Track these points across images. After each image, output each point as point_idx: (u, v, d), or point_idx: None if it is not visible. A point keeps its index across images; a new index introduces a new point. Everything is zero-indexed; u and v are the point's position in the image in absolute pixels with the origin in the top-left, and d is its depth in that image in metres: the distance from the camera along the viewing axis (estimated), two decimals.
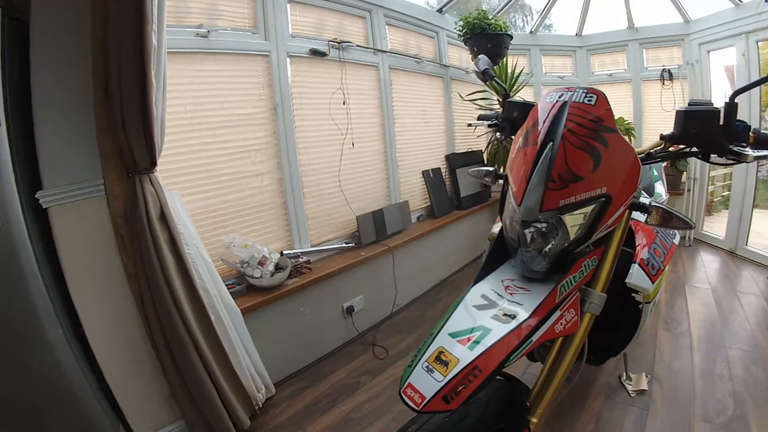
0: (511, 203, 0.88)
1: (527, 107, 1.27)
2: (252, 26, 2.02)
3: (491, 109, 3.63)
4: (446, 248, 3.18)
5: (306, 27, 2.29)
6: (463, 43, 3.30)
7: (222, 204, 1.89)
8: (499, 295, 0.88)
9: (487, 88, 3.58)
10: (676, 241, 1.33)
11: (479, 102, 3.62)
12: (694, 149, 0.95)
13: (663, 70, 3.82)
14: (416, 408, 0.71)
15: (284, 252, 2.13)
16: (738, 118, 0.89)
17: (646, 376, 1.78)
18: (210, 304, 1.55)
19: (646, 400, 1.66)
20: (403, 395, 0.73)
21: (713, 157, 0.93)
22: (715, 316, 2.36)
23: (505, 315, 0.81)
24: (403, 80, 3.00)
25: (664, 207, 0.88)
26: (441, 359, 0.75)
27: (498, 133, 1.39)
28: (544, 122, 0.85)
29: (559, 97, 0.88)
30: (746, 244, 3.29)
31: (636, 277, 1.07)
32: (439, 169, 3.29)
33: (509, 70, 3.46)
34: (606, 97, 0.86)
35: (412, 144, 3.08)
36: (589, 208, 0.82)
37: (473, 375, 0.72)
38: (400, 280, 2.63)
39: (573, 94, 0.86)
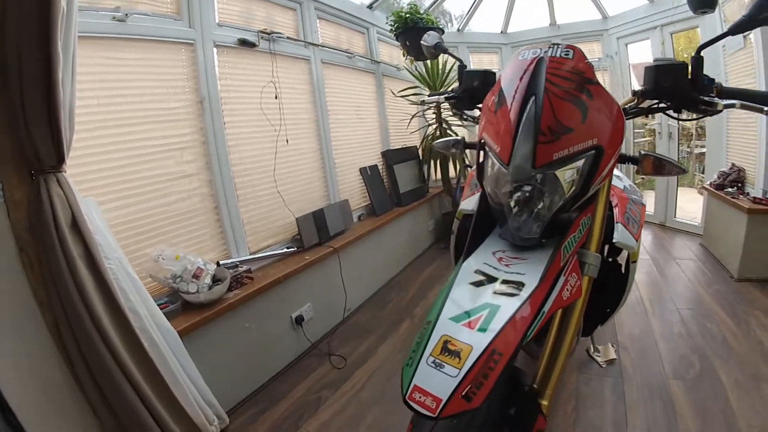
0: (496, 166, 0.80)
1: (489, 75, 1.25)
2: (175, 12, 1.79)
3: (423, 103, 3.64)
4: (390, 247, 3.11)
5: (233, 16, 2.09)
6: (394, 39, 3.27)
7: (145, 212, 1.63)
8: (494, 268, 0.79)
9: (419, 84, 3.58)
10: (645, 202, 1.37)
11: (411, 98, 3.62)
12: (664, 105, 0.96)
13: None
14: (432, 415, 0.60)
15: (221, 262, 1.91)
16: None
17: (613, 346, 1.85)
18: (141, 327, 1.31)
19: (617, 369, 1.74)
20: (410, 402, 0.62)
21: (683, 113, 0.96)
22: (661, 282, 2.57)
23: (509, 288, 0.73)
24: (336, 75, 2.89)
25: (655, 154, 0.87)
26: (449, 350, 0.65)
27: (452, 111, 1.34)
28: (521, 78, 0.79)
29: (534, 54, 0.82)
30: (675, 217, 3.71)
31: (621, 235, 1.05)
32: (376, 166, 3.21)
33: (440, 66, 3.49)
34: (582, 51, 0.82)
35: (348, 141, 2.98)
36: (580, 162, 0.76)
37: (493, 361, 0.62)
38: (349, 283, 2.50)
39: (549, 50, 0.81)
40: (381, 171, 3.28)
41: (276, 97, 2.28)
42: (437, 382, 0.62)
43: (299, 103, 2.52)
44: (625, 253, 1.09)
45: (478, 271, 0.79)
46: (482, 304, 0.71)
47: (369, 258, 2.81)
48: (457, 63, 1.32)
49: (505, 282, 0.75)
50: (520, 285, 0.73)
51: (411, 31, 3.02)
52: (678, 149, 3.72)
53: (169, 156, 1.73)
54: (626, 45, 3.94)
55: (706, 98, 0.88)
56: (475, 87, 1.23)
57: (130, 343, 1.27)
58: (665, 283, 2.59)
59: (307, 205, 2.48)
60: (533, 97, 0.75)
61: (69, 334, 1.15)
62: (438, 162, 3.61)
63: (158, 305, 1.47)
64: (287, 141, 2.34)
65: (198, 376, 1.50)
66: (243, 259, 2.03)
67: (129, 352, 1.25)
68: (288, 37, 2.38)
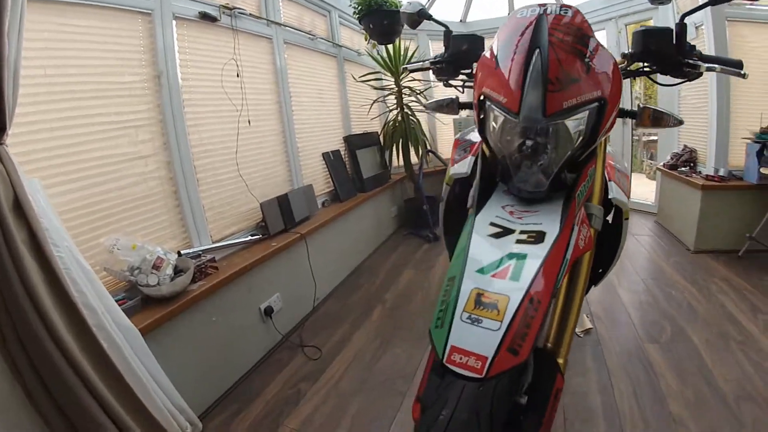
0: (501, 119, 0.78)
1: (477, 39, 1.25)
2: None
3: (384, 89, 3.57)
4: (356, 233, 3.03)
5: None
6: (355, 24, 3.17)
7: (97, 196, 1.45)
8: (508, 221, 0.77)
9: (380, 69, 3.49)
10: (628, 166, 1.42)
11: (372, 83, 3.53)
12: (649, 69, 1.01)
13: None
14: (479, 375, 0.55)
15: (182, 252, 1.75)
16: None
17: (587, 317, 1.91)
18: (97, 325, 1.16)
19: (594, 337, 1.83)
20: (450, 366, 0.57)
21: (667, 78, 1.00)
22: (623, 256, 2.69)
23: (530, 237, 0.70)
24: (298, 56, 2.76)
25: (653, 107, 0.88)
26: (483, 303, 0.61)
27: (434, 77, 1.30)
28: (523, 34, 0.78)
29: (533, 12, 0.81)
30: (629, 198, 4.00)
31: (616, 192, 1.07)
32: (338, 151, 3.11)
33: (401, 51, 3.42)
34: (579, 10, 0.83)
35: (311, 124, 2.85)
36: (586, 113, 0.76)
37: (533, 309, 0.59)
38: (317, 270, 2.41)
39: (548, 8, 0.81)
40: (343, 156, 3.18)
41: (238, 75, 2.11)
42: (478, 338, 0.57)
43: (261, 84, 2.37)
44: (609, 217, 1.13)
45: (493, 224, 0.76)
46: (507, 254, 0.67)
47: (336, 244, 2.72)
48: (443, 29, 1.31)
49: (524, 233, 0.72)
50: (540, 234, 0.71)
51: (375, 14, 2.92)
52: (631, 135, 3.93)
53: (123, 135, 1.54)
54: None
55: (690, 61, 0.93)
56: (464, 51, 1.21)
57: (86, 342, 1.11)
58: (627, 257, 2.75)
59: (270, 190, 2.34)
60: (537, 50, 0.74)
61: (12, 334, 0.98)
62: (400, 147, 3.56)
63: (116, 301, 1.30)
64: (249, 122, 2.18)
65: (165, 378, 1.35)
66: (206, 247, 1.87)
67: (85, 354, 1.10)
68: (250, 14, 2.22)
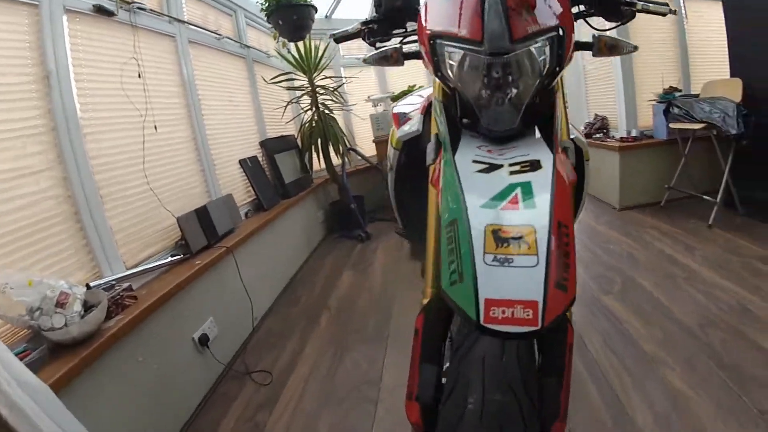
0: (459, 55, 0.72)
1: None
2: None
3: (297, 89, 3.42)
4: (285, 243, 2.86)
5: None
6: (262, 24, 2.99)
7: None
8: (490, 157, 0.69)
9: (293, 70, 3.33)
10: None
11: (285, 84, 3.36)
12: (586, 12, 0.99)
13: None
14: (534, 327, 0.45)
15: (92, 284, 1.47)
16: None
17: None
18: None
19: None
20: (490, 325, 0.45)
21: (601, 22, 0.99)
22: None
23: (524, 167, 0.63)
24: (205, 57, 2.54)
25: (608, 35, 0.87)
26: (506, 239, 0.50)
27: (368, 41, 1.22)
28: None
29: None
30: None
31: (575, 133, 1.06)
32: (256, 157, 2.90)
33: (313, 49, 3.30)
34: None
35: (223, 130, 2.63)
36: (548, 41, 0.72)
37: (565, 235, 0.52)
38: (251, 286, 2.20)
39: None
40: (262, 162, 2.99)
41: (139, 76, 1.85)
42: (517, 282, 0.47)
43: (167, 85, 2.12)
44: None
45: (476, 162, 0.66)
46: (507, 186, 0.58)
47: (266, 256, 2.53)
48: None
49: (515, 164, 0.64)
50: (534, 162, 0.63)
51: (283, 10, 2.78)
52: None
53: (8, 147, 1.25)
54: None
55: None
56: (397, 8, 1.11)
57: None
58: None
59: (186, 203, 2.09)
60: None
61: None
62: (319, 148, 3.43)
63: (16, 355, 1.04)
64: (156, 128, 1.93)
65: None
66: (120, 275, 1.60)
67: None
68: (150, 10, 1.97)
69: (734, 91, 2.37)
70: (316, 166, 3.58)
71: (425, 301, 0.75)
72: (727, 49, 2.58)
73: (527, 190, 0.56)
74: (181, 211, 2.00)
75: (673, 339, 1.53)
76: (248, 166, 2.77)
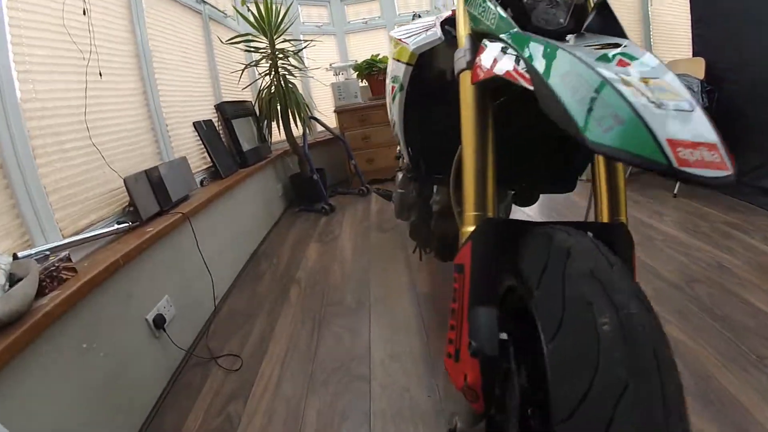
0: None
1: None
2: None
3: (256, 50, 3.14)
4: (245, 214, 2.64)
5: None
6: None
7: None
8: (566, 42, 0.62)
9: (252, 30, 3.05)
10: None
11: (242, 46, 3.08)
12: None
13: (414, 14, 4.14)
14: (726, 172, 0.36)
15: (20, 254, 1.22)
16: None
17: None
18: None
19: None
20: (686, 168, 0.35)
21: None
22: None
23: (604, 46, 0.55)
24: (158, 5, 2.25)
25: None
26: (641, 85, 0.41)
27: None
28: None
29: None
30: None
31: None
32: (211, 121, 2.64)
33: (274, 11, 3.04)
34: None
35: (177, 87, 2.35)
36: None
37: (694, 89, 0.51)
38: (211, 260, 1.99)
39: None
40: (218, 127, 2.72)
41: (84, 13, 1.57)
42: (685, 123, 0.38)
43: (116, 29, 1.84)
44: None
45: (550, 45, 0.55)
46: (601, 54, 0.50)
47: (226, 227, 2.31)
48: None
49: (591, 45, 0.56)
50: (611, 44, 0.55)
51: None
52: None
53: None
54: None
55: None
56: None
57: None
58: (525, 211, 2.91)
59: (136, 164, 1.84)
60: None
61: None
62: (279, 117, 3.20)
63: None
64: (101, 74, 1.65)
65: None
66: (55, 244, 1.34)
67: None
68: None
69: (698, 70, 2.45)
70: (275, 136, 3.34)
71: (469, 229, 0.63)
72: (690, 31, 2.65)
73: (627, 55, 0.48)
74: (130, 172, 1.75)
75: (663, 294, 1.56)
76: (203, 129, 2.50)
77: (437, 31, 0.94)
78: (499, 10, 0.65)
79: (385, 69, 3.81)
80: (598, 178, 0.69)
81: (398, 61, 1.05)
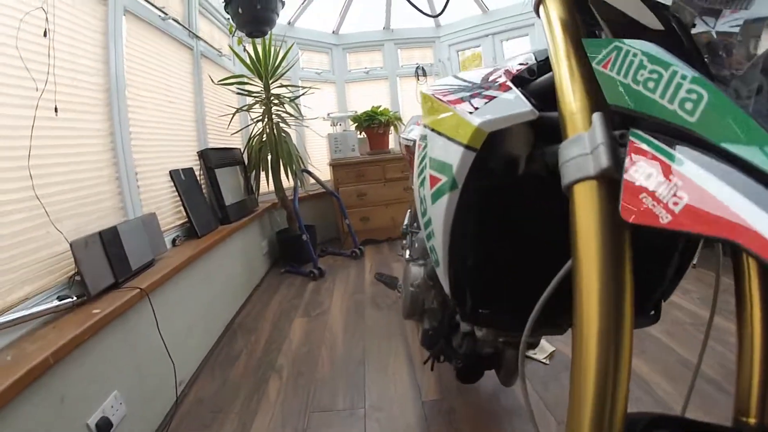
0: None
1: None
2: None
3: (250, 94, 2.90)
4: (222, 278, 2.27)
5: None
6: (219, 15, 2.49)
7: None
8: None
9: (247, 72, 2.83)
10: None
11: (234, 88, 2.84)
12: None
13: (417, 67, 4.08)
14: None
15: None
16: None
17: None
18: None
19: (560, 357, 1.63)
20: None
21: None
22: None
23: None
24: (143, 36, 2.00)
25: None
26: None
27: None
28: None
29: None
30: None
31: None
32: (191, 169, 2.32)
33: (272, 52, 2.83)
34: None
35: (154, 129, 2.05)
36: None
37: None
38: (174, 341, 1.61)
39: None
40: (199, 177, 2.40)
41: (45, 34, 1.28)
42: None
43: (84, 57, 1.55)
44: None
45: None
46: None
47: (196, 298, 1.93)
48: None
49: None
50: None
51: None
52: None
53: None
54: (457, 52, 4.18)
55: None
56: None
57: None
58: None
59: (89, 221, 1.49)
60: None
61: None
62: (269, 167, 2.91)
63: None
64: (56, 110, 1.33)
65: None
66: None
67: None
68: None
69: None
70: (263, 187, 3.03)
71: None
72: None
73: None
74: (80, 232, 1.40)
75: (710, 399, 1.32)
76: (181, 179, 2.18)
77: (521, 100, 0.60)
78: (724, 98, 0.34)
79: (386, 123, 3.70)
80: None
81: (446, 138, 0.68)
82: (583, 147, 0.42)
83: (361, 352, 1.88)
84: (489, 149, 0.60)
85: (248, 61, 2.81)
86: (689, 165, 0.34)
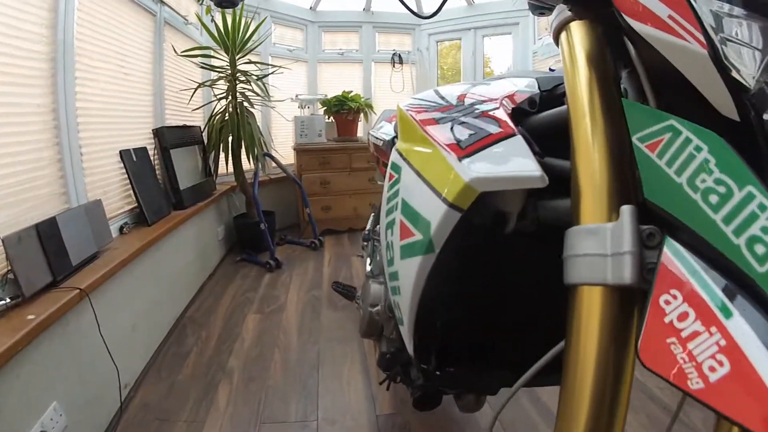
0: None
1: None
2: None
3: (215, 69, 2.70)
4: (172, 270, 2.14)
5: None
6: None
7: None
8: None
9: (214, 44, 2.62)
10: None
11: (198, 60, 2.64)
12: None
13: (394, 53, 3.95)
14: None
15: None
16: None
17: None
18: None
19: None
20: None
21: None
22: None
23: None
24: None
25: None
26: None
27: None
28: None
29: None
30: None
31: None
32: (145, 149, 2.14)
33: (242, 24, 2.64)
34: None
35: (104, 104, 1.86)
36: None
37: None
38: (117, 343, 1.50)
39: None
40: (153, 157, 2.22)
41: None
42: None
43: (25, 21, 1.35)
44: None
45: None
46: None
47: (144, 292, 1.81)
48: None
49: None
50: None
51: None
52: None
53: None
54: (436, 42, 4.08)
55: None
56: None
57: None
58: None
59: (26, 210, 1.34)
60: None
61: None
62: (229, 148, 2.75)
63: None
64: None
65: None
66: None
67: None
68: None
69: None
70: (222, 168, 2.87)
71: None
72: None
73: None
74: (13, 224, 1.25)
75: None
76: (132, 160, 2.00)
77: (529, 157, 0.48)
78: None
79: (356, 110, 3.57)
80: None
81: (425, 183, 0.56)
82: (602, 245, 0.35)
83: (315, 356, 1.85)
84: (475, 204, 0.50)
85: (215, 33, 2.60)
86: (742, 325, 0.26)
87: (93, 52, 1.74)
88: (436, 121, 0.63)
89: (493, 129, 0.54)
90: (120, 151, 1.94)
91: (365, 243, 1.88)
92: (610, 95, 0.40)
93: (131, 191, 1.99)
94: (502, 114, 0.57)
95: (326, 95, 3.58)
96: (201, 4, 2.49)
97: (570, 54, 0.45)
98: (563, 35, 0.47)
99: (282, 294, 2.45)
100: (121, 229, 1.87)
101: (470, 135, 0.55)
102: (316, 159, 3.36)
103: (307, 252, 3.15)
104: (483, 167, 0.49)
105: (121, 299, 1.62)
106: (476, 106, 0.63)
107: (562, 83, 0.58)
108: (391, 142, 1.40)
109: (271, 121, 3.52)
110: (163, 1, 2.29)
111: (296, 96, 3.49)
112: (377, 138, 1.57)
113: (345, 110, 3.51)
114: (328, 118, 3.63)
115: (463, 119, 0.60)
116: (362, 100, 3.59)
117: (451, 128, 0.59)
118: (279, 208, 3.44)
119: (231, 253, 3.10)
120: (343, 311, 2.23)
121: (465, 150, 0.52)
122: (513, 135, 0.51)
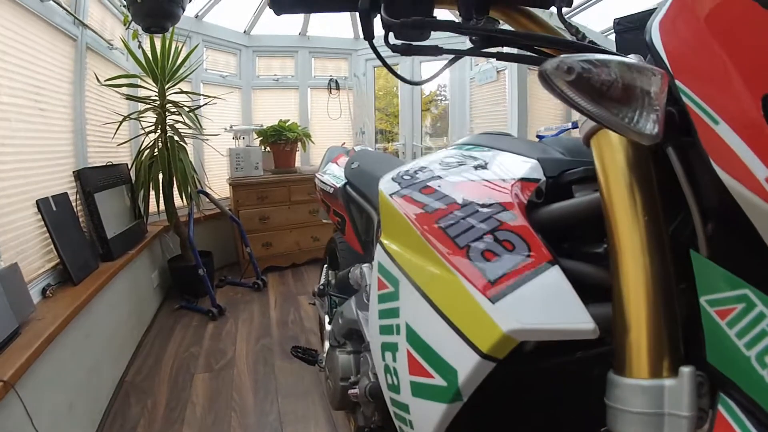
0: None
1: None
2: None
3: (143, 100, 2.46)
4: (107, 330, 1.89)
5: None
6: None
7: None
8: None
9: (141, 72, 2.38)
10: None
11: (124, 90, 2.38)
12: None
13: (330, 79, 3.90)
14: None
15: None
16: None
17: None
18: None
19: None
20: None
21: None
22: None
23: None
24: (10, 20, 1.55)
25: None
26: None
27: None
28: None
29: None
30: None
31: None
32: (65, 195, 1.88)
33: (172, 52, 2.44)
34: None
35: (17, 148, 1.60)
36: None
37: None
38: (52, 425, 1.26)
39: None
40: (75, 203, 1.95)
41: None
42: None
43: None
44: None
45: None
46: None
47: (77, 364, 1.57)
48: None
49: None
50: None
51: None
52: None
53: None
54: (374, 67, 4.09)
55: None
56: None
57: None
58: None
59: None
60: None
61: None
62: (160, 186, 2.50)
63: None
64: None
65: None
66: None
67: None
68: None
69: None
70: (152, 206, 2.60)
71: None
72: None
73: None
74: None
75: None
76: (51, 210, 1.73)
77: (577, 304, 0.41)
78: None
79: (294, 140, 3.45)
80: None
81: (446, 321, 0.49)
82: (657, 403, 0.34)
83: (276, 417, 1.70)
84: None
85: (143, 60, 2.38)
86: None
87: (2, 84, 1.49)
88: (443, 231, 0.54)
89: (523, 253, 0.46)
90: (37, 201, 1.66)
91: (319, 298, 1.76)
92: (657, 233, 0.37)
93: (52, 246, 1.71)
94: (525, 227, 0.49)
95: (262, 125, 3.42)
96: (127, 28, 2.25)
97: (605, 177, 0.41)
98: (594, 141, 0.43)
99: (229, 346, 2.25)
100: (43, 291, 1.60)
101: (497, 263, 0.47)
102: (253, 193, 3.18)
103: (250, 293, 2.94)
104: (523, 314, 0.42)
105: (52, 378, 1.37)
106: (487, 209, 0.53)
107: (569, 169, 0.54)
108: (343, 190, 1.32)
109: (203, 154, 3.28)
110: (85, 24, 2.04)
111: (230, 127, 3.30)
112: (326, 184, 1.45)
113: (282, 140, 3.38)
114: (265, 149, 3.48)
115: (477, 232, 0.51)
116: (300, 129, 3.49)
117: (468, 251, 0.50)
118: (217, 246, 3.20)
119: (168, 299, 2.80)
120: (299, 361, 2.10)
121: (495, 286, 0.45)
122: (549, 264, 0.44)
